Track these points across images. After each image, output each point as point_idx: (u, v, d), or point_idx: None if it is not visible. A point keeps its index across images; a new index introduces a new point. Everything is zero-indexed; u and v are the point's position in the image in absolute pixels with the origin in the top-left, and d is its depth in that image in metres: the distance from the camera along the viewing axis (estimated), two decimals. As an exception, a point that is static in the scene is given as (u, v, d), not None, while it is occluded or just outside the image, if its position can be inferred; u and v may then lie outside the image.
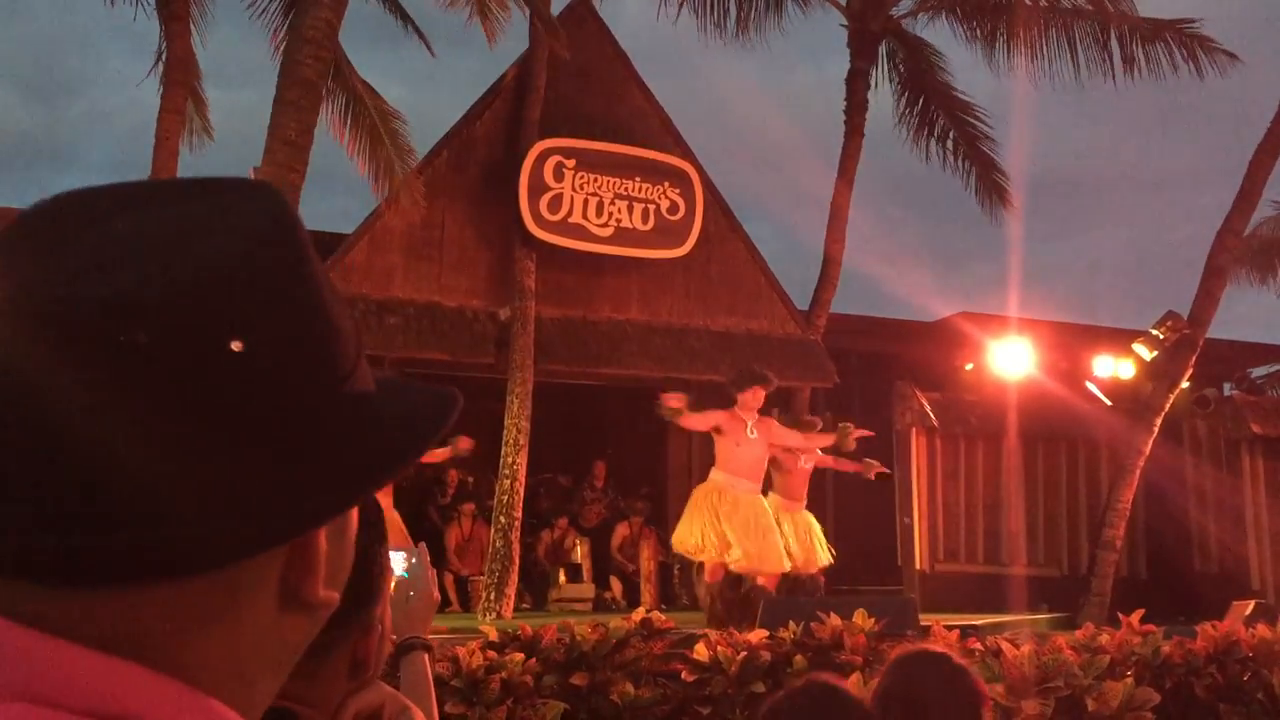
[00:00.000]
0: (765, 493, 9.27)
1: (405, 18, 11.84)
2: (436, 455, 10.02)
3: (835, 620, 6.55)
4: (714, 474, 8.98)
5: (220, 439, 0.55)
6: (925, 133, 14.41)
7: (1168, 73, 13.07)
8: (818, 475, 12.77)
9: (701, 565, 9.15)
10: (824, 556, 9.65)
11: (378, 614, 1.32)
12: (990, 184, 14.24)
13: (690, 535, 8.79)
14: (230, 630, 0.59)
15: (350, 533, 0.68)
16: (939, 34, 14.26)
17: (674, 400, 8.90)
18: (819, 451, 9.89)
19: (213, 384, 0.55)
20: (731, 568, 8.72)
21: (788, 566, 9.01)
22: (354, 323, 0.63)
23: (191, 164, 10.69)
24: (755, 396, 8.80)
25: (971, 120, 14.23)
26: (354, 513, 0.68)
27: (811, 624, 6.56)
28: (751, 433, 8.74)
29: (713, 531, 8.62)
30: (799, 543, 9.31)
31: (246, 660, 0.61)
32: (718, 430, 8.87)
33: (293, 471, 0.57)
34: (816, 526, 9.89)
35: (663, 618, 6.89)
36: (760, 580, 8.86)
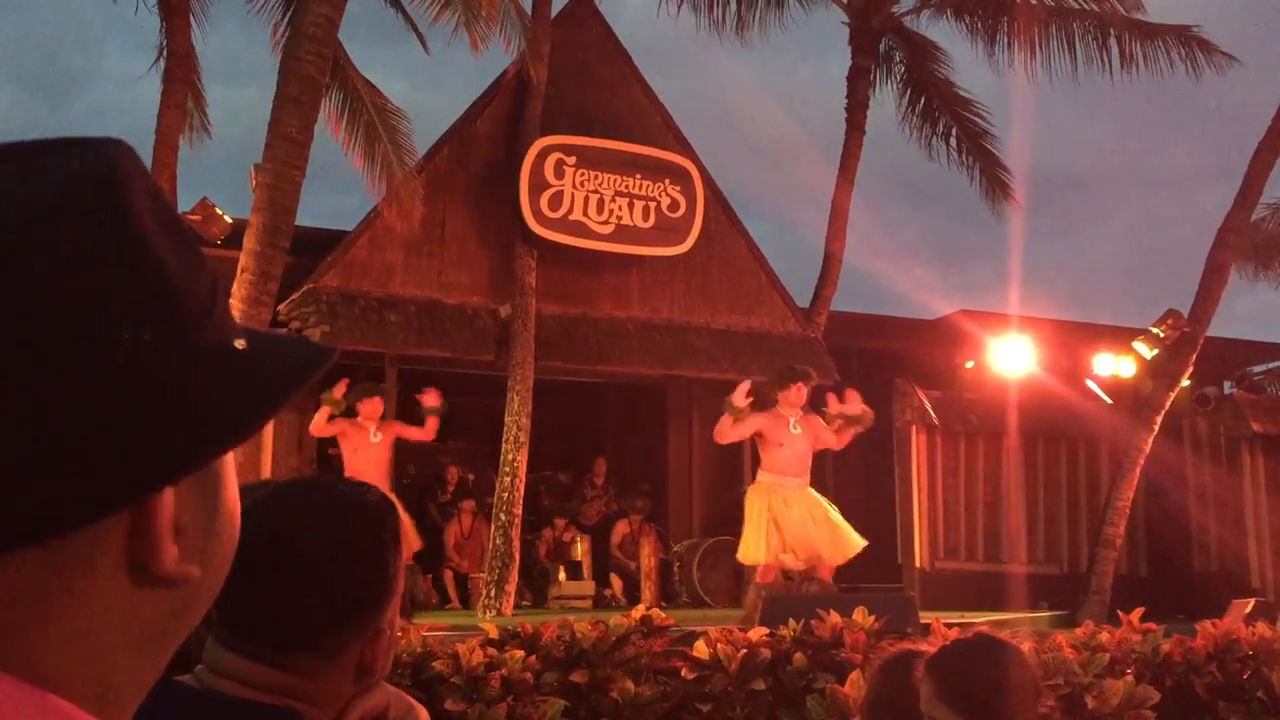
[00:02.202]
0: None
1: (402, 11, 11.82)
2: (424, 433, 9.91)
3: (835, 618, 6.55)
4: (760, 476, 8.88)
5: (19, 405, 0.52)
6: (928, 130, 14.41)
7: (1167, 72, 13.08)
8: (817, 472, 12.78)
9: (753, 567, 8.98)
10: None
11: (388, 618, 1.32)
12: (994, 180, 14.23)
13: (752, 544, 8.68)
14: (69, 613, 0.55)
15: (225, 499, 0.63)
16: (940, 31, 14.28)
17: (743, 398, 8.66)
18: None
19: (5, 348, 0.52)
20: (789, 565, 8.64)
21: (842, 558, 8.79)
22: (211, 275, 0.60)
23: (191, 160, 10.67)
24: (799, 393, 8.74)
25: (973, 117, 14.23)
26: (226, 476, 0.64)
27: (811, 622, 6.56)
28: (795, 428, 8.67)
29: (774, 535, 8.53)
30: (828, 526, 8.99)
31: (97, 645, 0.56)
32: (759, 436, 8.78)
33: (111, 434, 0.54)
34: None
35: (663, 615, 6.88)
36: (821, 574, 8.73)
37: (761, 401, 8.87)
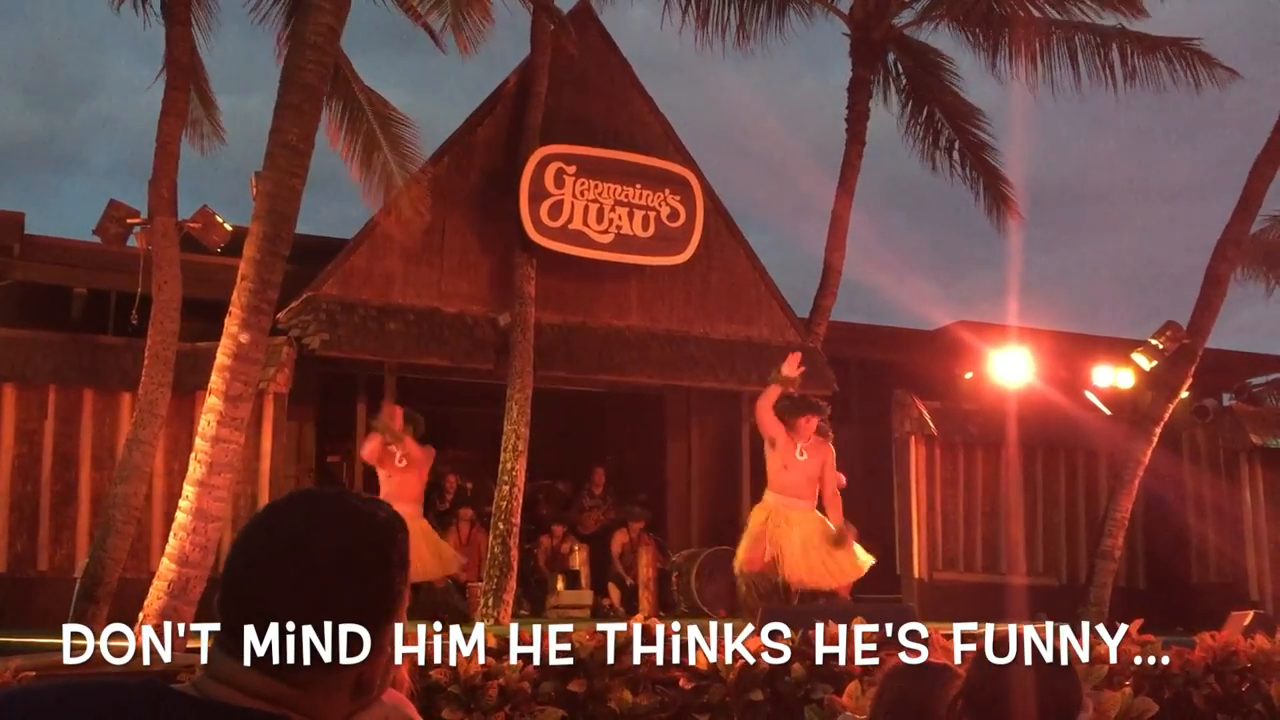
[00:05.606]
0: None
1: (416, 15, 11.78)
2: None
3: (834, 628, 6.54)
4: (766, 495, 8.96)
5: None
6: (931, 142, 14.37)
7: (1168, 84, 13.08)
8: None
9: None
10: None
11: (389, 637, 1.31)
12: (996, 194, 14.18)
13: (745, 553, 8.76)
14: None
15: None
16: (941, 43, 14.26)
17: (794, 368, 8.69)
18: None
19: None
20: (788, 579, 8.61)
21: (843, 579, 8.87)
22: None
23: (192, 169, 10.65)
24: (809, 424, 8.79)
25: (976, 129, 14.19)
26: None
27: (809, 632, 6.55)
28: (801, 455, 8.72)
29: (766, 546, 8.58)
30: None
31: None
32: (771, 443, 8.81)
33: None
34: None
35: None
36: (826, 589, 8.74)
37: (782, 415, 8.89)
